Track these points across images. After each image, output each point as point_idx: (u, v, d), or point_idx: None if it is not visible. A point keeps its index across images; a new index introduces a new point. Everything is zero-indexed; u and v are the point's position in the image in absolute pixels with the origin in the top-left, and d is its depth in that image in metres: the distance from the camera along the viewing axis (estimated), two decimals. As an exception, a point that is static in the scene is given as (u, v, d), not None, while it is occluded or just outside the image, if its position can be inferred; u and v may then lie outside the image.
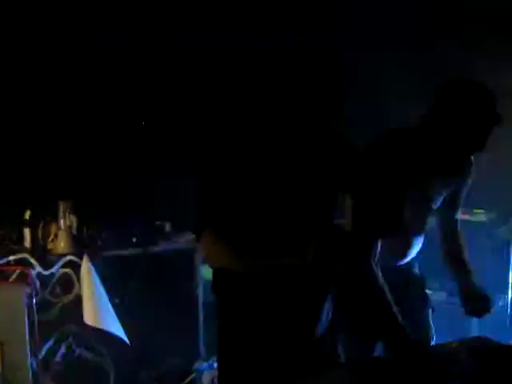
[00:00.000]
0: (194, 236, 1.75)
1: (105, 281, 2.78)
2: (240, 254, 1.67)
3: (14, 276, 2.57)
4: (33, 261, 2.66)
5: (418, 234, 2.39)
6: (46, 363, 2.63)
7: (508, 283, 3.73)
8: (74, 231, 3.00)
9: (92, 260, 2.77)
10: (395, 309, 1.91)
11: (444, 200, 2.41)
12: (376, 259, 2.06)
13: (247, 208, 1.69)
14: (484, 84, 2.16)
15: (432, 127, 2.19)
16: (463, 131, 2.16)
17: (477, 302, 2.39)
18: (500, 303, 3.61)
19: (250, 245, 1.67)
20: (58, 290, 2.71)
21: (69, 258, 2.77)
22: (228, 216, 1.70)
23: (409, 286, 2.40)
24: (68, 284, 2.74)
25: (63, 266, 2.74)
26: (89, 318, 2.61)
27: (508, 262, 3.72)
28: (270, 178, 1.70)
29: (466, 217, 3.29)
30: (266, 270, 1.69)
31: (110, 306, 2.80)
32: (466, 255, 2.47)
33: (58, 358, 2.65)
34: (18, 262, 2.65)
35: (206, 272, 2.93)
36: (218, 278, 1.80)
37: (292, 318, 1.75)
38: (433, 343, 2.45)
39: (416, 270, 2.48)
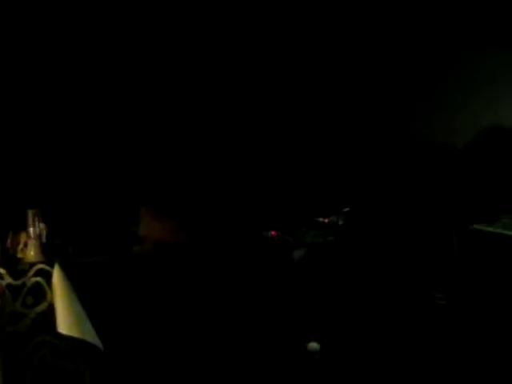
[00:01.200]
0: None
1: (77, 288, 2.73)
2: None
3: (-18, 287, 2.51)
4: (2, 271, 2.61)
5: None
6: (19, 375, 2.57)
7: None
8: (44, 239, 2.96)
9: (64, 268, 2.73)
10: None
11: None
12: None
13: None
14: None
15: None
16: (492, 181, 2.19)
17: None
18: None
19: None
20: (29, 299, 2.66)
21: (40, 266, 2.72)
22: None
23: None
24: (40, 293, 2.69)
25: (34, 275, 2.69)
26: (63, 327, 2.57)
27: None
28: None
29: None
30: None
31: (84, 313, 2.75)
32: None
33: (32, 369, 2.59)
34: (-13, 273, 2.59)
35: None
36: None
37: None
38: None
39: None
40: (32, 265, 2.74)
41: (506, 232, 3.71)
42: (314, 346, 2.03)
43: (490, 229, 3.13)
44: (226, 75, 2.92)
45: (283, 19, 3.14)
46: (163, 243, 1.78)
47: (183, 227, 1.73)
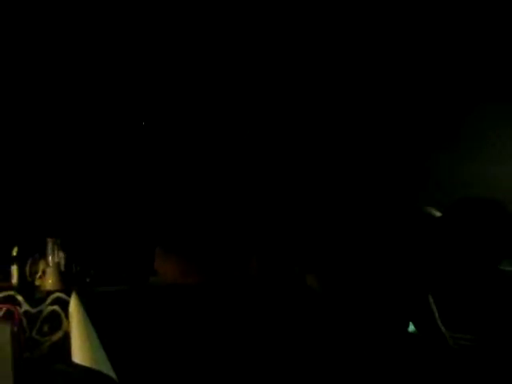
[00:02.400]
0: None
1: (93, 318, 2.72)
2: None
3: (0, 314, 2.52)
4: (20, 298, 2.61)
5: None
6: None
7: None
8: (63, 268, 2.97)
9: (80, 297, 2.73)
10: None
11: None
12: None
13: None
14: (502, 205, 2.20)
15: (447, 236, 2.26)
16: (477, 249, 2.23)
17: None
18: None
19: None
20: (46, 327, 2.65)
21: (57, 295, 2.72)
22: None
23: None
24: (56, 321, 2.68)
25: (51, 304, 2.69)
26: (78, 357, 2.55)
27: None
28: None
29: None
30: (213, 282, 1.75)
31: (99, 343, 2.73)
32: None
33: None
34: (5, 300, 2.60)
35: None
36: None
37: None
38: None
39: None
40: (49, 293, 2.74)
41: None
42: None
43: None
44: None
45: (283, 23, 3.17)
46: (174, 284, 1.80)
47: (194, 268, 1.75)
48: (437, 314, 2.64)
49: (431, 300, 2.60)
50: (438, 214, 2.47)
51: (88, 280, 3.02)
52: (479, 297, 2.57)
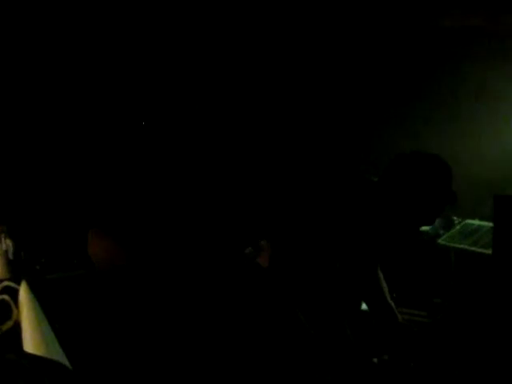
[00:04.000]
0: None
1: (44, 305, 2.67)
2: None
3: None
4: (-34, 288, 2.54)
5: None
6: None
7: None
8: (11, 256, 2.89)
9: (30, 285, 2.67)
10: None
11: None
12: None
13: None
14: (445, 163, 2.20)
15: (384, 196, 2.23)
16: (414, 206, 2.22)
17: None
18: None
19: None
20: (-5, 317, 2.59)
21: (6, 283, 2.65)
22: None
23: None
24: (6, 311, 2.62)
25: (0, 293, 2.62)
26: (29, 346, 2.50)
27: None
28: None
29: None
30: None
31: (51, 331, 2.68)
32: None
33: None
34: (-49, 291, 2.52)
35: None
36: None
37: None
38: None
39: None
40: (-2, 282, 2.67)
41: (474, 249, 3.77)
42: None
43: (462, 246, 3.19)
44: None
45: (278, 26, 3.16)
46: (126, 270, 1.78)
47: (123, 249, 1.74)
48: (386, 290, 2.68)
49: (381, 276, 2.64)
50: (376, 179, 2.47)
51: (38, 267, 2.95)
52: (415, 264, 2.64)
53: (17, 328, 2.59)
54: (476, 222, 4.12)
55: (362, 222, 2.36)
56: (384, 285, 2.69)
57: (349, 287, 2.36)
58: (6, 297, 2.64)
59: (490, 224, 3.61)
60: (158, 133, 3.32)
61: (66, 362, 2.70)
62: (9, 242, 2.93)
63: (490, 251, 3.16)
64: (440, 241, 3.95)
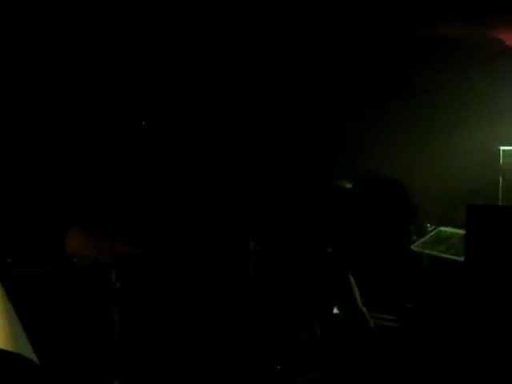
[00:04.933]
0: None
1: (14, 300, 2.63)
2: None
3: None
4: None
5: None
6: None
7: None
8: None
9: (1, 278, 2.62)
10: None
11: None
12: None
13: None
14: (400, 186, 2.35)
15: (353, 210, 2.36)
16: (377, 222, 2.38)
17: None
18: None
19: None
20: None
21: (-25, 276, 2.61)
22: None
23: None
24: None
25: (-31, 286, 2.57)
26: (-2, 341, 2.46)
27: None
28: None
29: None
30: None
31: (20, 326, 2.64)
32: None
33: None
34: None
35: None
36: None
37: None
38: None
39: None
40: (-33, 275, 2.63)
41: (446, 255, 3.81)
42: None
43: (434, 252, 3.24)
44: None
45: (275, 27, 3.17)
46: (96, 264, 1.78)
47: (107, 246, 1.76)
48: (357, 295, 2.71)
49: (352, 281, 2.66)
50: (349, 185, 2.55)
51: (9, 261, 2.91)
52: (388, 270, 2.69)
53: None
54: (449, 229, 4.19)
55: (334, 227, 2.42)
56: (355, 289, 2.71)
57: (321, 290, 2.38)
58: (-25, 290, 2.59)
59: (463, 232, 3.66)
60: (158, 133, 3.32)
61: (34, 358, 2.66)
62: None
63: (461, 258, 3.20)
64: (413, 247, 4.01)
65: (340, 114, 3.98)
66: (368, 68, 4.01)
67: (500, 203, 5.40)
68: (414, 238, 4.07)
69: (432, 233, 4.17)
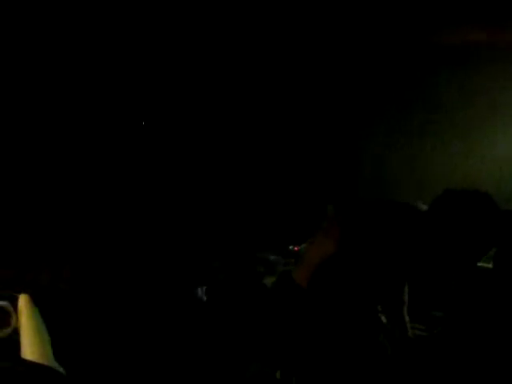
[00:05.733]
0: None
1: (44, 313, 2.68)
2: None
3: None
4: (-35, 295, 2.56)
5: None
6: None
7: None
8: (12, 263, 2.92)
9: (31, 292, 2.68)
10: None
11: None
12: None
13: None
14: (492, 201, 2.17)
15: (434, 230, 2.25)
16: (464, 243, 2.24)
17: None
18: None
19: None
20: (-7, 323, 2.61)
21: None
22: None
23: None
24: (4, 318, 2.64)
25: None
26: (27, 353, 2.51)
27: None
28: None
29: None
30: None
31: (49, 339, 2.70)
32: None
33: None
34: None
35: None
36: None
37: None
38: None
39: None
40: (-3, 288, 2.68)
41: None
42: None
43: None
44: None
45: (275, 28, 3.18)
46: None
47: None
48: (406, 304, 2.67)
49: (406, 289, 2.62)
50: (424, 207, 2.47)
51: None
52: (452, 291, 2.61)
53: (15, 335, 2.60)
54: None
55: (413, 256, 2.37)
56: (406, 298, 2.68)
57: (370, 294, 2.34)
58: (5, 303, 2.66)
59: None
60: (158, 133, 3.33)
61: (61, 370, 2.70)
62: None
63: (490, 265, 3.14)
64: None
65: (365, 128, 3.93)
66: (389, 74, 3.96)
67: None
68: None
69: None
